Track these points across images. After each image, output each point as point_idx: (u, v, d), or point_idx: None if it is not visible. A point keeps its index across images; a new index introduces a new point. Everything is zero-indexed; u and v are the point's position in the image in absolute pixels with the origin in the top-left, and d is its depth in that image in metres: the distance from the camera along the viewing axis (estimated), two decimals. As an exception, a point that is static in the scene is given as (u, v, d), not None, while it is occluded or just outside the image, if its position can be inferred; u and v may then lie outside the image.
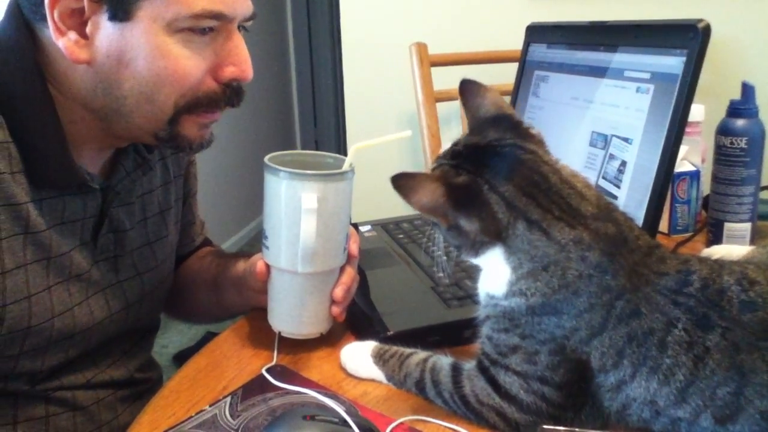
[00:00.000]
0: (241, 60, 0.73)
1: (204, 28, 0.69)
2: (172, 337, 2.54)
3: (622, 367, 0.55)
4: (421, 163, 1.93)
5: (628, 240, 0.57)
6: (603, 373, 0.56)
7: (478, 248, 0.60)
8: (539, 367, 0.57)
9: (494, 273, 0.60)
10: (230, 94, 0.74)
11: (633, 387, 0.55)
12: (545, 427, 0.55)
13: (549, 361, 0.57)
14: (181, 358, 2.28)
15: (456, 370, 0.64)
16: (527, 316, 0.57)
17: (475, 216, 0.58)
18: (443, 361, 0.66)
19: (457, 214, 0.58)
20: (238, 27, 0.74)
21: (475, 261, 0.62)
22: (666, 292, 0.55)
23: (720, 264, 0.58)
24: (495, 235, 0.58)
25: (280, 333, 0.76)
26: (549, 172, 0.58)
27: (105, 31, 0.67)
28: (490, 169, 0.58)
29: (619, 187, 0.81)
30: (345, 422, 0.58)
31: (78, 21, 0.67)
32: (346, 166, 0.72)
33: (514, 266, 0.58)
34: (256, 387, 0.69)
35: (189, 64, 0.69)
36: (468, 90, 0.66)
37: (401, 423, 0.62)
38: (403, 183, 0.58)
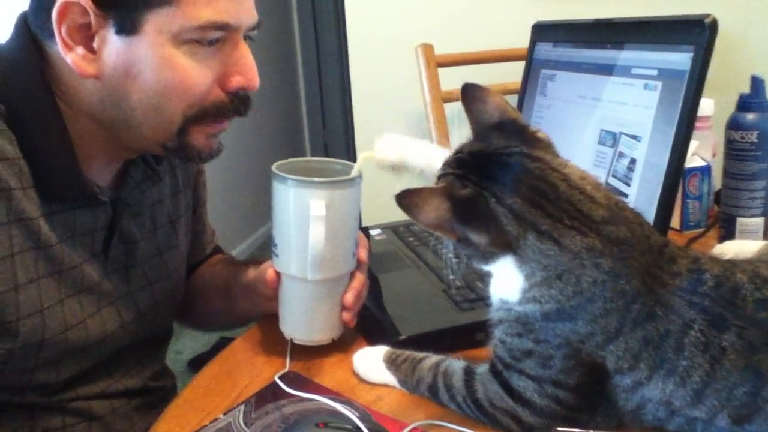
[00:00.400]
0: (247, 69, 0.73)
1: (210, 39, 0.69)
2: (186, 342, 2.55)
3: (638, 370, 0.54)
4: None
5: (640, 241, 0.56)
6: (619, 374, 0.55)
7: (488, 257, 0.59)
8: (553, 371, 0.57)
9: (506, 280, 0.59)
10: (237, 103, 0.74)
11: (649, 388, 0.54)
12: (560, 429, 0.55)
13: (563, 365, 0.57)
14: (197, 363, 2.29)
15: (469, 374, 0.63)
16: (541, 321, 0.57)
17: (484, 230, 0.57)
18: (456, 365, 0.66)
19: (465, 228, 0.58)
20: (245, 38, 0.74)
21: (487, 268, 0.61)
22: (680, 293, 0.54)
23: (731, 262, 0.57)
24: (505, 246, 0.57)
25: (292, 340, 0.76)
26: (557, 179, 0.57)
27: (112, 44, 0.67)
28: (497, 181, 0.57)
29: (629, 185, 0.80)
30: (358, 429, 0.58)
31: (85, 36, 0.67)
32: (354, 173, 0.72)
33: (526, 275, 0.57)
34: (270, 394, 0.69)
35: (196, 74, 0.70)
36: (470, 94, 0.65)
37: (415, 428, 0.62)
38: (407, 201, 0.57)
